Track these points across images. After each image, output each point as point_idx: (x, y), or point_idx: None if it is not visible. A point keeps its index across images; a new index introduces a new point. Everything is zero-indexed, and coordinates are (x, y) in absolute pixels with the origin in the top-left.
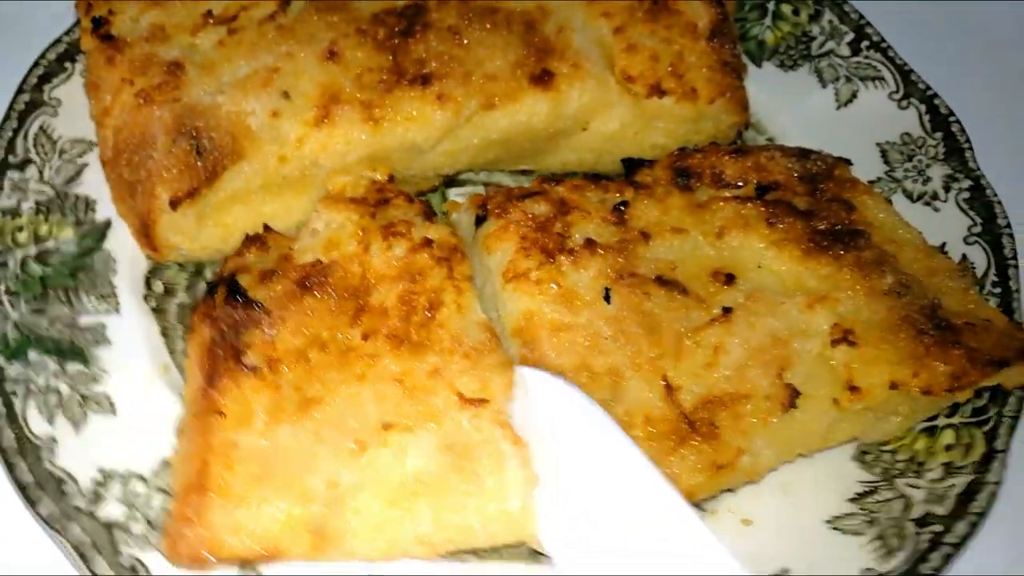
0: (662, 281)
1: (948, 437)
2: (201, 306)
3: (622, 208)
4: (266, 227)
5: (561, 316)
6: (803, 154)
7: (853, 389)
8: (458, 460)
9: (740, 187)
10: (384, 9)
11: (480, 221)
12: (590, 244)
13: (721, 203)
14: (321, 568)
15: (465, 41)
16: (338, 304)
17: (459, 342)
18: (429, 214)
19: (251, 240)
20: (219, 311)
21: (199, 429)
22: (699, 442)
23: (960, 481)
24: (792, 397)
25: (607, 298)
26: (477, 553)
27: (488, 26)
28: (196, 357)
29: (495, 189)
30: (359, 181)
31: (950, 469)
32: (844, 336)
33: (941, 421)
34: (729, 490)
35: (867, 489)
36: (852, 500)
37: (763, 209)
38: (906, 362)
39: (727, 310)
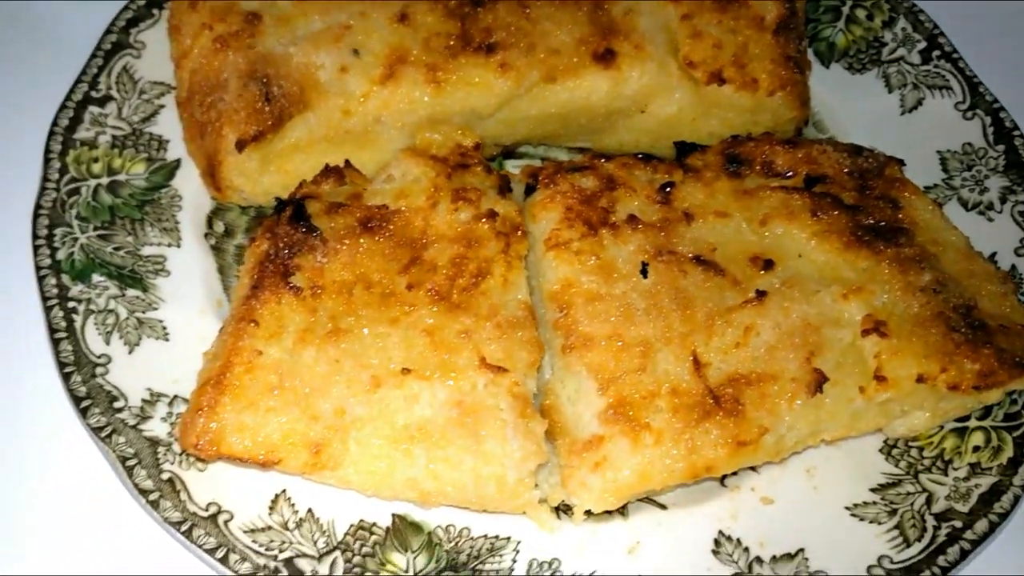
0: (700, 261)
1: (977, 438)
2: (267, 221)
3: (668, 189)
4: (347, 162)
5: (597, 286)
6: (855, 150)
7: (880, 379)
8: (464, 417)
9: (789, 177)
10: None
11: (530, 191)
12: (632, 220)
13: (768, 191)
14: None
15: (533, 14)
16: (392, 251)
17: (495, 312)
18: (504, 189)
19: (330, 171)
20: (280, 228)
21: (232, 332)
22: (722, 417)
23: (985, 482)
24: (819, 382)
25: (644, 272)
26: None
27: (556, 2)
28: (248, 267)
29: (549, 162)
30: (446, 141)
31: (976, 469)
32: (876, 327)
33: (972, 422)
34: (752, 469)
35: (891, 481)
36: (874, 490)
37: (809, 200)
38: (935, 357)
39: (761, 293)
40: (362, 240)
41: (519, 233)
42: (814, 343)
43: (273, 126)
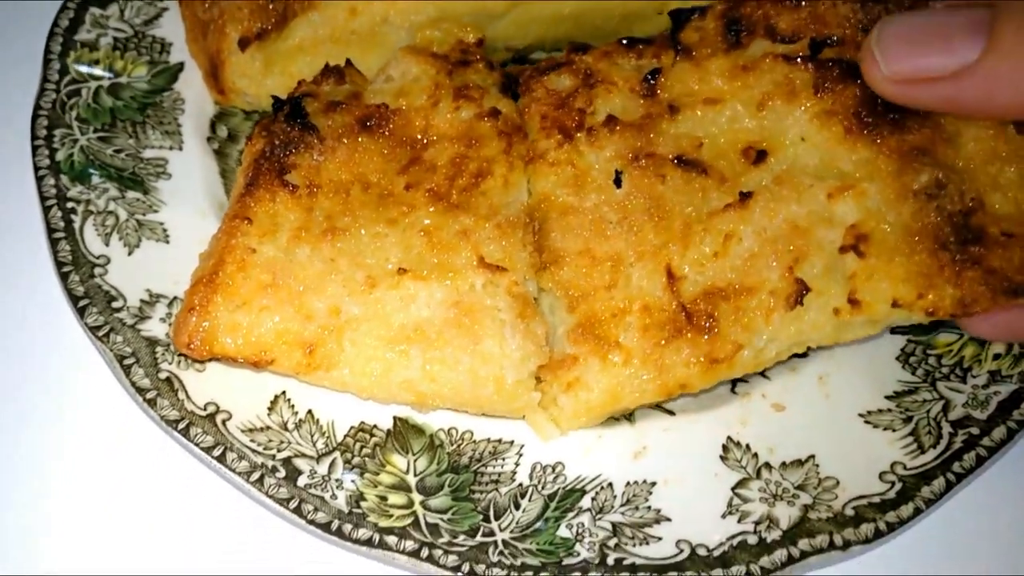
0: (682, 162)
1: (998, 346)
2: (264, 119)
3: (653, 78)
4: (348, 62)
5: (571, 199)
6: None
7: (854, 303)
8: (462, 317)
9: (793, 43)
10: None
11: (516, 98)
12: (611, 121)
13: (769, 62)
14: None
15: None
16: (391, 150)
17: (496, 212)
18: (507, 87)
19: (330, 71)
20: (277, 126)
21: (225, 230)
22: (694, 335)
23: (1005, 389)
24: (800, 294)
25: (617, 182)
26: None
27: None
28: (245, 163)
29: (528, 65)
30: (447, 38)
31: (996, 377)
32: (856, 243)
33: None
34: (764, 375)
35: (907, 388)
36: (889, 397)
37: (813, 71)
38: (914, 280)
39: (746, 195)
40: (360, 139)
41: (522, 133)
42: (799, 248)
43: (277, 24)
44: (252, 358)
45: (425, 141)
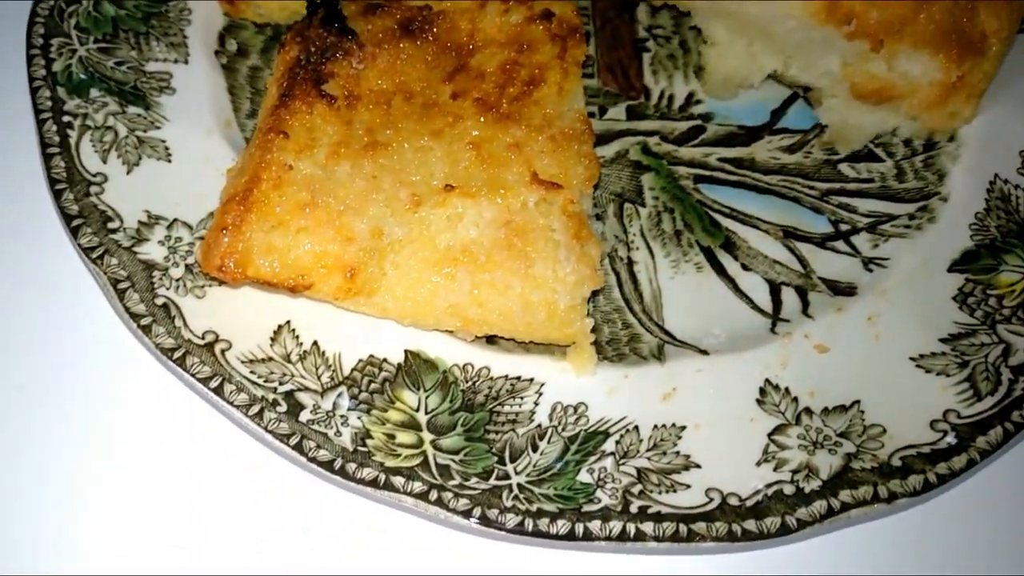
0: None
1: None
2: (297, 24)
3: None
4: None
5: None
6: None
7: None
8: (513, 238)
9: None
10: None
11: None
12: None
13: None
14: None
15: None
16: (436, 57)
17: (550, 123)
18: None
19: None
20: (312, 32)
21: (259, 144)
22: None
23: None
24: None
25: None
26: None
27: None
28: (278, 75)
29: None
30: None
31: None
32: None
33: None
34: (807, 314)
35: (964, 331)
36: (944, 340)
37: None
38: None
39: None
40: (402, 45)
41: (576, 36)
42: None
43: None
44: (289, 282)
45: (472, 46)
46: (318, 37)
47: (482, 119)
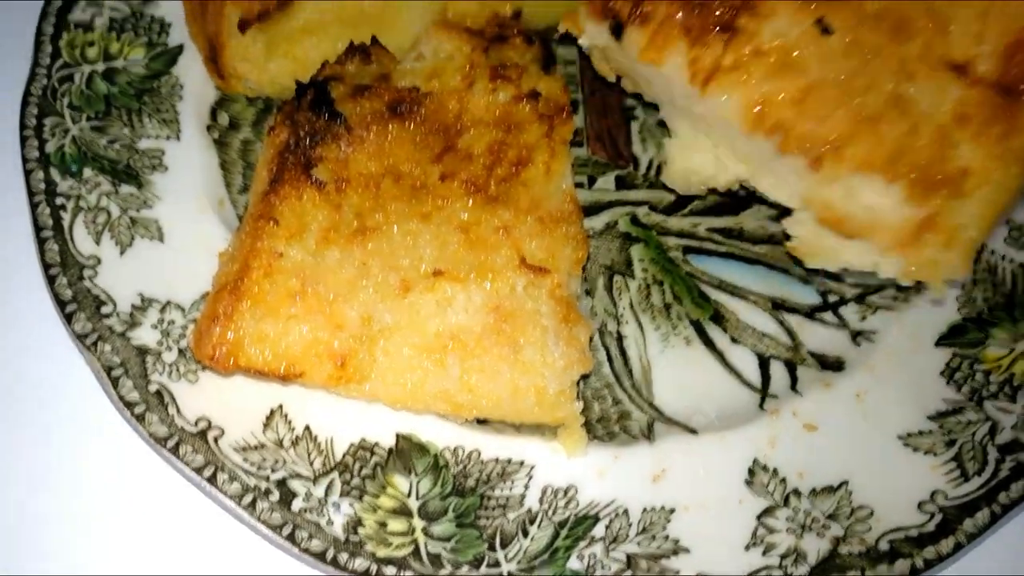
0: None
1: None
2: (287, 106)
3: None
4: (374, 39)
5: (789, 83)
6: None
7: None
8: (502, 324)
9: None
10: None
11: (618, 31)
12: None
13: None
14: None
15: None
16: (424, 138)
17: (538, 205)
18: (548, 63)
19: (355, 50)
20: (301, 115)
21: (250, 231)
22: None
23: None
24: None
25: (825, 31)
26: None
27: None
28: (267, 159)
29: None
30: (481, 10)
31: None
32: None
33: None
34: (795, 390)
35: (951, 408)
36: (932, 418)
37: None
38: None
39: None
40: (391, 127)
41: (564, 114)
42: None
43: (280, 4)
44: (280, 371)
45: (460, 126)
46: (307, 121)
47: (470, 201)
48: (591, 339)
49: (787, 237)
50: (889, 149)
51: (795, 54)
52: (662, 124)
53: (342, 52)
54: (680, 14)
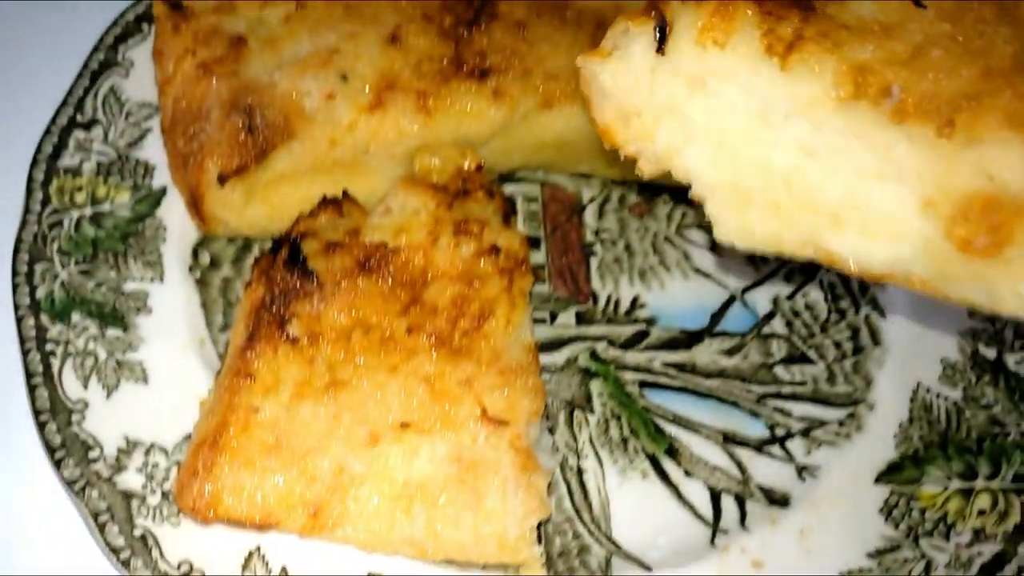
0: None
1: (983, 501)
2: (263, 261)
3: None
4: (345, 193)
5: (895, 43)
6: None
7: None
8: (464, 474)
9: None
10: None
11: (663, 37)
12: None
13: None
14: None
15: (529, 36)
16: (392, 291)
17: (498, 357)
18: (508, 215)
19: (327, 203)
20: (276, 273)
21: (228, 387)
22: None
23: (987, 550)
24: None
25: (919, 3)
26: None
27: (557, 22)
28: (244, 313)
29: None
30: (446, 166)
31: (980, 536)
32: None
33: (979, 483)
34: (744, 527)
35: (889, 545)
36: (871, 555)
37: None
38: None
39: None
40: (360, 282)
41: (522, 268)
42: None
43: (256, 158)
44: (256, 521)
45: (425, 280)
46: (281, 279)
47: (435, 354)
48: (550, 488)
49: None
50: None
51: (892, 21)
52: (617, 260)
53: (316, 204)
54: None
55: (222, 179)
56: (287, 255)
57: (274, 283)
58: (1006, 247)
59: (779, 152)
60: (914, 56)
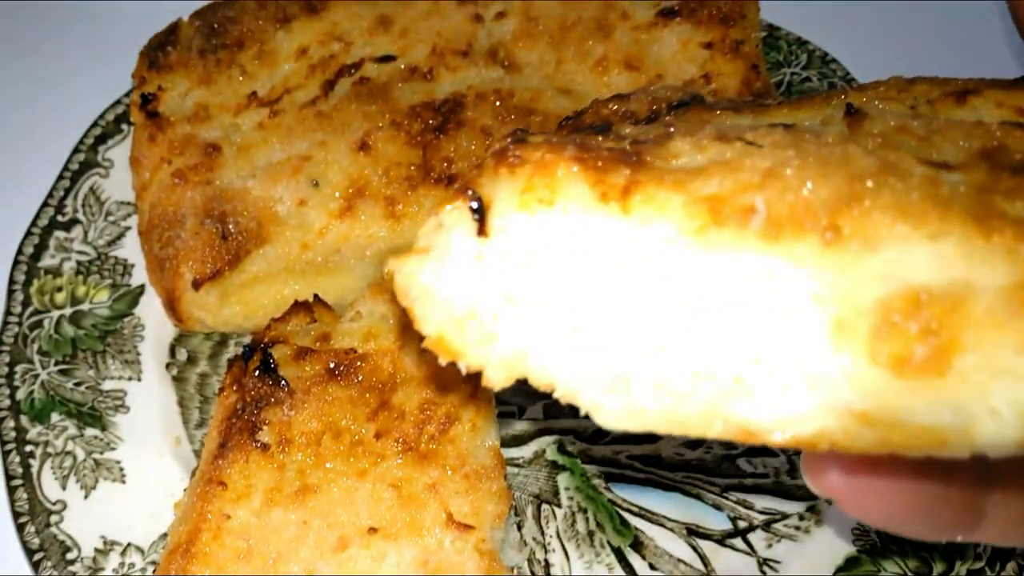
0: None
1: None
2: (235, 367)
3: None
4: (316, 297)
5: (749, 165)
6: None
7: None
8: None
9: None
10: (423, 102)
11: (481, 216)
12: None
13: None
14: None
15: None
16: (361, 396)
17: (463, 462)
18: None
19: (298, 307)
20: (247, 380)
21: (200, 494)
22: None
23: None
24: None
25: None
26: None
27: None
28: (217, 420)
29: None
30: None
31: None
32: None
33: None
34: None
35: None
36: None
37: None
38: None
39: None
40: (330, 388)
41: None
42: None
43: (230, 263)
44: None
45: (393, 384)
46: (253, 386)
47: (402, 459)
48: (519, 570)
49: None
50: (922, 195)
51: (730, 159)
52: None
53: (287, 308)
54: (569, 148)
55: (197, 284)
56: (259, 363)
57: (246, 391)
58: (954, 355)
59: (645, 312)
60: (767, 177)
